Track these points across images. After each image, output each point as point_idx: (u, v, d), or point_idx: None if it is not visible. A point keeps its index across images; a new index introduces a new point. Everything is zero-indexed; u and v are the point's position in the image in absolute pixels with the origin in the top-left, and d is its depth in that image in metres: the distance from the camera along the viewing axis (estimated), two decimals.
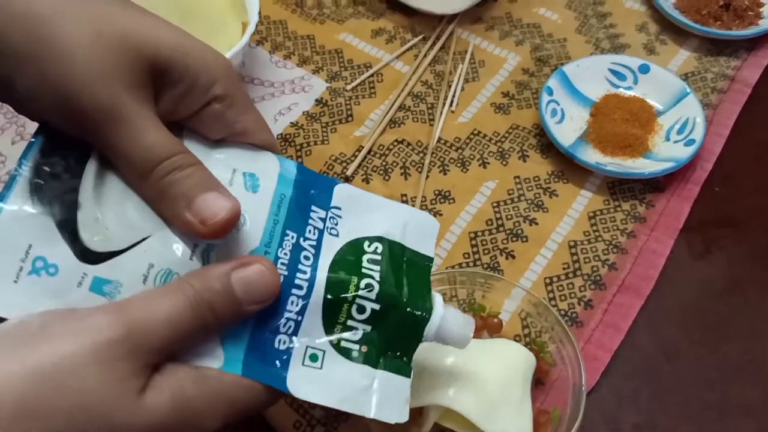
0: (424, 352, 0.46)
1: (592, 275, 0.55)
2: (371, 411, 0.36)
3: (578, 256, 0.57)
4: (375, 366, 0.37)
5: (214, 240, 0.33)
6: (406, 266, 0.39)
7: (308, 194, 0.39)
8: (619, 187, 0.61)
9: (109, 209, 0.33)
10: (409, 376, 0.38)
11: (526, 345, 0.49)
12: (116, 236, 0.33)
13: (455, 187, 0.61)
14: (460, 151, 0.64)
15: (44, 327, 0.29)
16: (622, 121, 0.62)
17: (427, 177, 0.62)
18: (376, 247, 0.38)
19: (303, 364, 0.35)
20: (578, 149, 0.61)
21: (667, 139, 0.62)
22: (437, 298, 0.39)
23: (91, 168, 0.33)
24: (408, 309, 0.38)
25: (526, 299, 0.50)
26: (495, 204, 0.60)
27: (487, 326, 0.51)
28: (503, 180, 0.62)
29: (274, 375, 0.34)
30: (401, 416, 0.36)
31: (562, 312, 0.53)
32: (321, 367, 0.35)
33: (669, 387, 0.51)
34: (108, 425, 0.29)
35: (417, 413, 0.47)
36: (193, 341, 0.32)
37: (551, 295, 0.55)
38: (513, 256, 0.57)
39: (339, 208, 0.39)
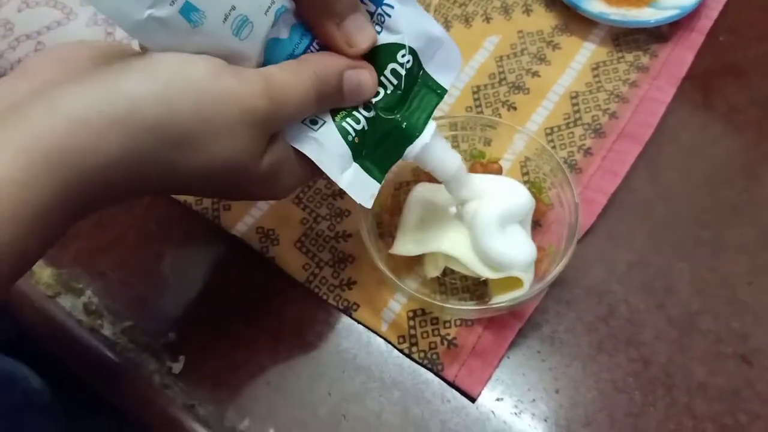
0: (430, 205, 0.48)
1: (593, 124, 0.56)
2: (343, 183, 0.40)
3: (579, 107, 0.57)
4: (356, 159, 0.41)
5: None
6: (417, 87, 0.41)
7: None
8: (623, 38, 0.60)
9: None
10: (379, 183, 0.41)
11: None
12: None
13: (458, 43, 0.59)
14: (463, 7, 0.63)
15: (190, 65, 0.33)
16: None
17: None
18: (407, 60, 0.40)
19: (302, 122, 0.39)
20: (582, 0, 0.60)
21: None
22: (431, 125, 0.41)
23: None
24: (401, 123, 0.41)
25: (528, 145, 0.51)
26: (498, 58, 0.60)
27: (488, 172, 0.52)
28: (506, 35, 0.61)
29: None
30: (366, 203, 0.41)
31: (562, 159, 0.54)
32: (316, 130, 0.39)
33: (664, 227, 0.52)
34: (236, 178, 0.36)
35: (419, 259, 0.49)
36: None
37: (551, 144, 0.56)
38: (514, 108, 0.58)
39: (392, 7, 0.40)
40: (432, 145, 0.41)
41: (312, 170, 0.40)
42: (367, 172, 0.41)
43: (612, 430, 0.45)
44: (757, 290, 0.49)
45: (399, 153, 0.41)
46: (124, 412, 0.49)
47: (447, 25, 0.62)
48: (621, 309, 0.49)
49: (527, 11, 0.63)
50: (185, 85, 0.33)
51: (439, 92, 0.42)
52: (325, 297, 0.50)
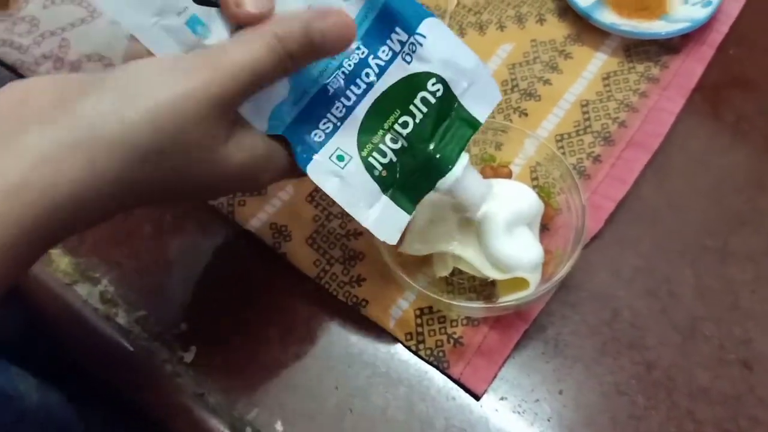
0: (439, 206, 0.49)
1: (602, 132, 0.57)
2: (368, 221, 0.40)
3: (589, 115, 0.58)
4: (385, 192, 0.41)
5: None
6: (450, 119, 0.41)
7: (396, 15, 0.39)
8: (634, 49, 0.61)
9: None
10: (409, 214, 0.41)
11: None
12: None
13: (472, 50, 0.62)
14: (478, 15, 0.65)
15: (142, 76, 0.33)
16: None
17: None
18: (438, 89, 0.40)
19: (329, 158, 0.39)
20: (595, 11, 0.61)
21: (686, 2, 0.62)
22: (464, 157, 0.42)
23: None
24: (434, 155, 0.41)
25: (538, 151, 0.52)
26: (510, 66, 0.61)
27: (498, 176, 0.53)
28: (520, 43, 0.63)
29: (304, 149, 0.38)
30: (392, 240, 0.41)
31: (571, 165, 0.55)
32: (342, 168, 0.39)
33: (670, 234, 0.53)
34: (199, 167, 0.35)
35: (428, 259, 0.50)
36: (269, 85, 0.36)
37: (561, 150, 0.57)
38: (526, 114, 0.59)
39: (424, 37, 0.39)
40: (464, 177, 0.42)
41: (294, 166, 0.39)
42: (396, 204, 0.41)
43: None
44: (760, 298, 0.50)
45: (431, 185, 0.42)
46: (126, 418, 0.50)
47: (461, 32, 0.63)
48: (625, 313, 0.50)
49: (540, 21, 0.64)
50: (135, 96, 0.32)
51: (474, 124, 0.42)
52: (334, 293, 0.51)
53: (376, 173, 0.40)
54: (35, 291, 0.52)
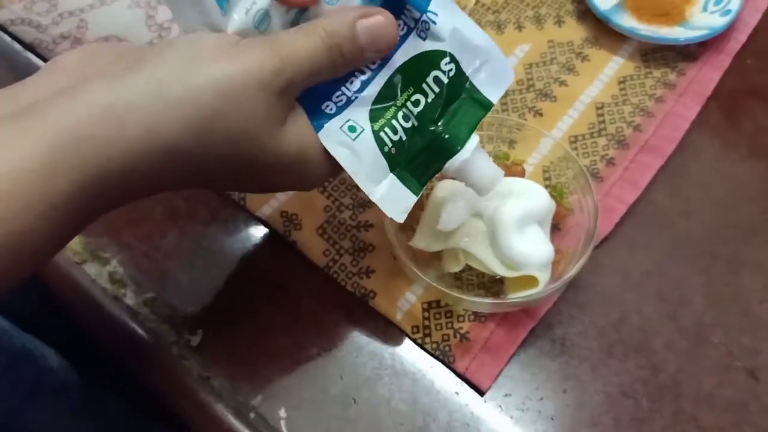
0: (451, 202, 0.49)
1: (617, 135, 0.57)
2: (375, 196, 0.39)
3: (604, 117, 0.58)
4: (392, 170, 0.40)
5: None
6: (461, 100, 0.41)
7: None
8: (652, 54, 0.61)
9: None
10: (416, 195, 0.41)
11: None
12: None
13: None
14: (496, 14, 0.65)
15: (205, 47, 0.33)
16: None
17: None
18: (450, 69, 0.40)
19: (340, 128, 0.38)
20: (614, 15, 0.61)
21: (705, 9, 0.62)
22: (474, 139, 0.41)
23: None
24: (442, 135, 0.40)
25: (552, 150, 0.52)
26: (527, 66, 0.61)
27: (510, 174, 0.53)
28: (537, 43, 0.63)
29: (316, 116, 0.38)
30: (399, 218, 0.40)
31: (584, 166, 0.55)
32: (354, 140, 0.38)
33: (681, 240, 0.53)
34: (253, 144, 0.35)
35: (438, 254, 0.50)
36: (321, 81, 0.37)
37: (575, 152, 0.57)
38: (541, 114, 0.59)
39: (436, 14, 0.39)
40: (473, 159, 0.41)
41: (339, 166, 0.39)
42: (404, 183, 0.41)
43: None
44: None
45: (439, 166, 0.41)
46: (137, 392, 0.50)
47: None
48: (633, 316, 0.50)
49: (559, 22, 0.64)
50: (199, 63, 0.33)
51: (486, 105, 0.41)
52: (343, 283, 0.51)
53: (386, 149, 0.39)
54: (45, 268, 0.52)
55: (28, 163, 0.29)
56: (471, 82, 0.41)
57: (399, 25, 0.39)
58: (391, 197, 0.40)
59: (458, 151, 0.41)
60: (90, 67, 0.35)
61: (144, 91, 0.32)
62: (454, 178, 0.44)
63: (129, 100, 0.31)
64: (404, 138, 0.40)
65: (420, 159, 0.41)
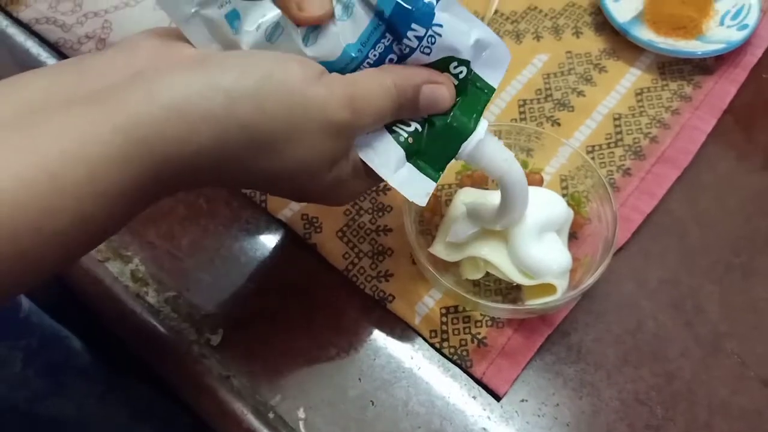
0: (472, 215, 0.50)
1: (633, 146, 0.58)
2: (395, 181, 0.41)
3: (621, 128, 0.59)
4: (409, 159, 0.41)
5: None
6: (466, 89, 0.42)
7: (409, 13, 0.38)
8: (668, 67, 0.62)
9: None
10: (435, 181, 0.42)
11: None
12: None
13: None
14: (515, 24, 0.65)
15: (286, 78, 0.34)
16: (679, 3, 0.63)
17: None
18: (460, 71, 0.41)
19: None
20: (632, 27, 0.62)
21: (721, 24, 0.63)
22: (483, 122, 0.42)
23: None
24: (452, 122, 0.41)
25: (570, 159, 0.53)
26: (545, 76, 0.62)
27: (529, 182, 0.54)
28: (555, 54, 0.63)
29: None
30: (421, 201, 0.42)
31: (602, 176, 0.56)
32: (367, 132, 0.40)
33: (697, 250, 0.53)
34: (308, 181, 0.38)
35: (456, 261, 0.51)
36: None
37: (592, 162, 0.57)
38: (558, 124, 0.59)
39: (440, 26, 0.39)
40: (485, 142, 0.42)
41: (373, 179, 0.41)
42: (421, 171, 0.42)
43: None
44: None
45: (453, 151, 0.42)
46: (160, 378, 0.50)
47: None
48: (649, 324, 0.50)
49: (577, 33, 0.65)
50: (279, 87, 0.34)
51: (487, 91, 0.42)
52: (362, 286, 0.52)
53: (402, 140, 0.41)
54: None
55: (104, 149, 0.30)
56: (473, 71, 0.42)
57: (404, 46, 0.39)
58: (410, 183, 0.41)
59: (470, 134, 0.42)
60: (161, 58, 0.36)
61: (220, 104, 0.33)
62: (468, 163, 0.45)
63: (203, 107, 0.32)
64: (419, 129, 0.41)
65: (434, 147, 0.42)
